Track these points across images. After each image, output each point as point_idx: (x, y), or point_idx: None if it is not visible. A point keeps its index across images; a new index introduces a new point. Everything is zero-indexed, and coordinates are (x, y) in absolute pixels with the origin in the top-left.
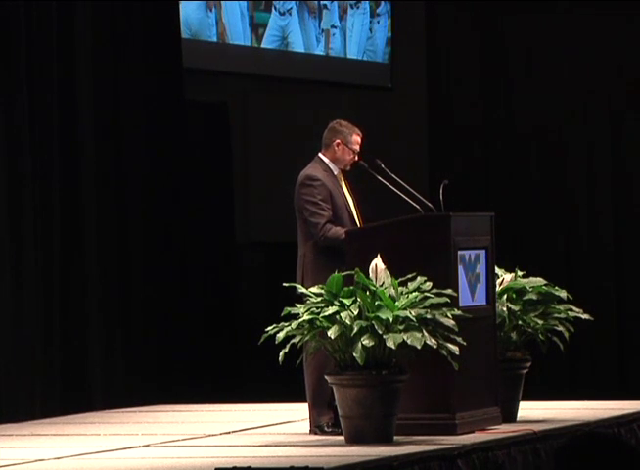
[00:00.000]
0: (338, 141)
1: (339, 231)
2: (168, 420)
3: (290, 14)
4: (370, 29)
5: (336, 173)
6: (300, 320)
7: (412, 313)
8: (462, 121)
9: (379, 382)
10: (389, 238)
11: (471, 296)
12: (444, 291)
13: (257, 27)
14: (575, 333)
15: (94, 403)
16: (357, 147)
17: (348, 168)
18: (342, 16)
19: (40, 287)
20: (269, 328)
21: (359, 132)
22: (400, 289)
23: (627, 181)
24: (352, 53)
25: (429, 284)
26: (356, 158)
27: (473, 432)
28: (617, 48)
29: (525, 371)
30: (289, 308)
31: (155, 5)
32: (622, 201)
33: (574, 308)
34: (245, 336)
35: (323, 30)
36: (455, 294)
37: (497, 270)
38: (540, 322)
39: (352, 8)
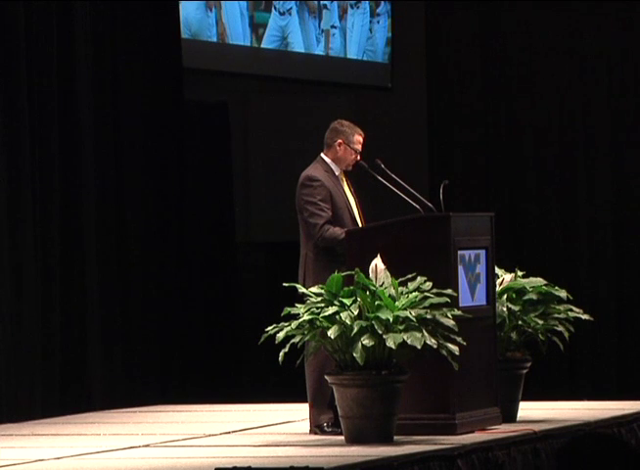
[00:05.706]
0: (340, 141)
1: (336, 232)
2: (168, 420)
3: (290, 14)
4: (370, 29)
5: (337, 173)
6: (300, 320)
7: (412, 313)
8: (462, 122)
9: (379, 382)
10: (389, 238)
11: (471, 296)
12: (444, 291)
13: (257, 27)
14: (575, 333)
15: (94, 403)
16: (359, 147)
17: (350, 169)
18: (342, 16)
19: (40, 287)
20: (269, 328)
21: (361, 132)
22: (400, 289)
23: (627, 181)
24: (352, 53)
25: (429, 284)
26: (358, 157)
27: (473, 432)
28: (617, 45)
29: (525, 371)
30: (289, 308)
31: (155, 5)
32: (622, 201)
33: (574, 308)
34: (245, 336)
35: (323, 30)
36: (455, 294)
37: (497, 270)
38: (540, 322)
39: (352, 8)
